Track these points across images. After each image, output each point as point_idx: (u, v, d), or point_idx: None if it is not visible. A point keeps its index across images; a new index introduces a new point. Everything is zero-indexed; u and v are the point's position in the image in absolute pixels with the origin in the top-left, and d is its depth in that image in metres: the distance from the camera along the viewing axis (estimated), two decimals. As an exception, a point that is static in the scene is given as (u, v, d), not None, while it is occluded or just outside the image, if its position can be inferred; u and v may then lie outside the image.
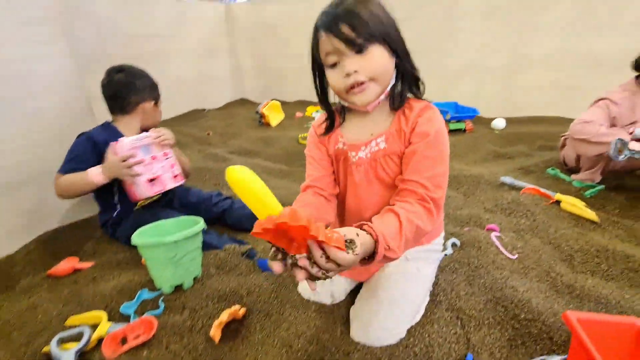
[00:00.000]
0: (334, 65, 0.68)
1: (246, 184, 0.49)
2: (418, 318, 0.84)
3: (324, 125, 0.82)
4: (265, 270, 1.07)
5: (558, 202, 1.39)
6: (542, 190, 1.46)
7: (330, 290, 0.90)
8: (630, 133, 1.33)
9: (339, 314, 0.88)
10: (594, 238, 1.17)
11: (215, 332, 0.81)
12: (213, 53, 3.97)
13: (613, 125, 1.43)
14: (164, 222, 1.10)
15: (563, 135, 1.72)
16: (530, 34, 2.67)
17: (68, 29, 1.41)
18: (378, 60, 0.67)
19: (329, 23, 0.65)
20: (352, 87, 0.68)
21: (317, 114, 3.28)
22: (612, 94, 1.44)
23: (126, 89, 1.24)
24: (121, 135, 1.22)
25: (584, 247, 1.13)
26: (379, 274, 0.86)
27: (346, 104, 0.77)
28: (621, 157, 1.29)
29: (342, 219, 0.90)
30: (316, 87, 0.77)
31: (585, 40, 2.48)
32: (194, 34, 3.69)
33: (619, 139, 1.27)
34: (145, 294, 0.97)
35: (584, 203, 1.34)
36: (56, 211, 1.39)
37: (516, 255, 1.08)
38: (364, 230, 0.59)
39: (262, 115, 3.04)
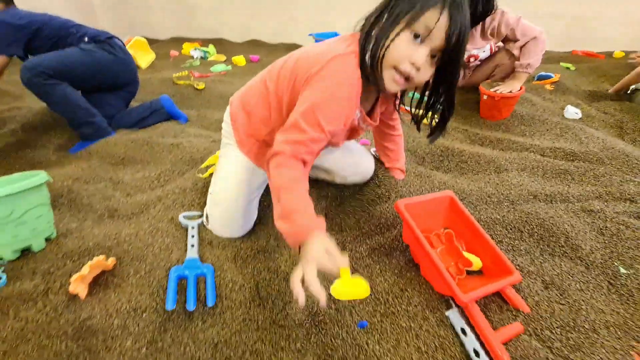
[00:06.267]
0: (416, 38, 0.62)
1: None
2: None
3: (360, 85, 0.69)
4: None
5: (417, 117, 1.59)
6: (406, 107, 1.65)
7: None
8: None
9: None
10: (440, 141, 1.40)
11: (77, 287, 0.73)
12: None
13: None
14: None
15: None
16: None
17: None
18: (430, 75, 0.68)
19: (450, 7, 0.59)
20: (402, 73, 0.65)
21: (196, 52, 2.94)
22: None
23: None
24: None
25: (432, 150, 1.34)
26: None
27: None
28: None
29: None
30: (383, 39, 0.64)
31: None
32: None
33: None
34: (-22, 270, 0.80)
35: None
36: None
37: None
38: None
39: (125, 56, 2.57)
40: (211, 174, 1.16)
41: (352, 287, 0.60)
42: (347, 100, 0.68)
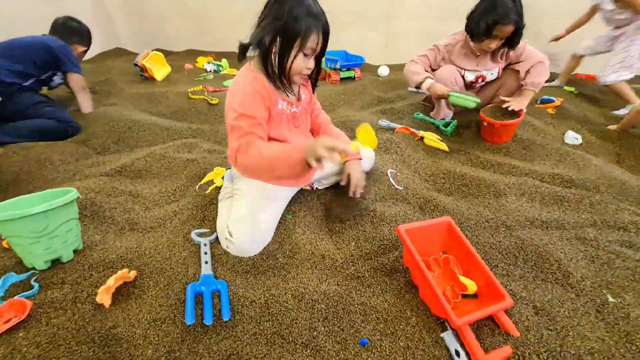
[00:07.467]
0: (306, 55, 0.94)
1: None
2: None
3: (272, 88, 0.99)
4: None
5: (422, 138, 1.66)
6: (411, 129, 1.71)
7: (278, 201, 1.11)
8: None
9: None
10: (443, 164, 1.46)
11: (102, 298, 0.80)
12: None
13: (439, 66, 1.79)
14: (24, 198, 0.97)
15: None
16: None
17: None
18: (314, 65, 1.01)
19: (323, 29, 0.91)
20: (304, 75, 0.99)
21: (210, 65, 3.05)
22: (441, 42, 1.78)
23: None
24: None
25: (435, 172, 1.40)
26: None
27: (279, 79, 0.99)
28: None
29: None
30: (284, 61, 0.93)
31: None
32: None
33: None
34: (13, 278, 0.88)
35: (438, 137, 1.63)
36: None
37: (402, 187, 1.29)
38: None
39: (143, 69, 2.68)
40: (215, 189, 1.24)
41: (368, 136, 0.91)
42: (253, 92, 0.95)
